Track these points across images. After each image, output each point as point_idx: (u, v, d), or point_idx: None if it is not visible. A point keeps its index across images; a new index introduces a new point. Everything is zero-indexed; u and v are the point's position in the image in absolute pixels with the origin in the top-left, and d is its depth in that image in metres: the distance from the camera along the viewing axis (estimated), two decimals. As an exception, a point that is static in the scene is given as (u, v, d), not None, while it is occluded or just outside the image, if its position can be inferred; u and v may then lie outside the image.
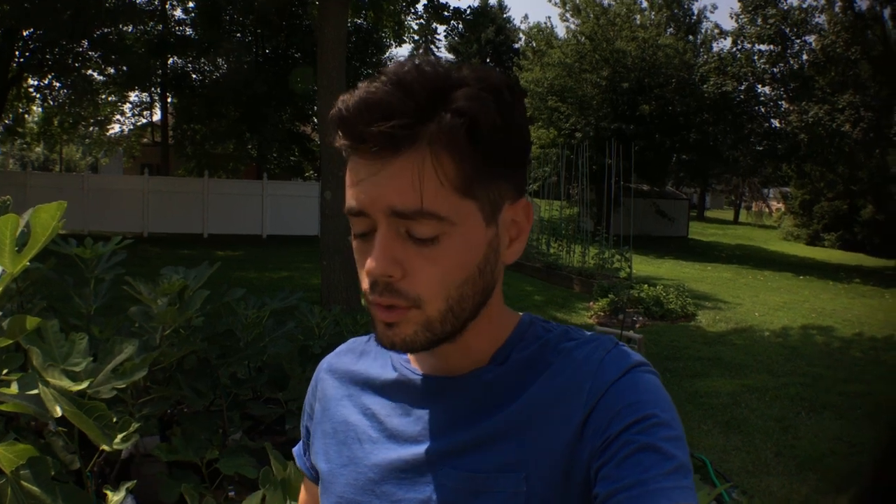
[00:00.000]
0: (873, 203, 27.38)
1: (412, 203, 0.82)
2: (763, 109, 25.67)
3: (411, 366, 1.01)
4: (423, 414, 0.96)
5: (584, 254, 16.75)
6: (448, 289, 0.86)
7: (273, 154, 26.93)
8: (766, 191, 51.91)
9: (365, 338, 1.13)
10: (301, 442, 1.20)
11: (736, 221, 49.63)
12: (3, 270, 1.56)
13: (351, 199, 0.86)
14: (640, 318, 11.65)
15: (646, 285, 13.20)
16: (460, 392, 0.95)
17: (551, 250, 18.59)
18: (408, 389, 0.99)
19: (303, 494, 1.24)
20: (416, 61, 0.84)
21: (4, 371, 1.45)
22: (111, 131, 30.39)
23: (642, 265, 18.73)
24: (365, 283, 0.87)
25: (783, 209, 43.64)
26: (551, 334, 0.96)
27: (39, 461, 1.50)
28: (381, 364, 1.05)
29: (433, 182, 0.82)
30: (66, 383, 1.80)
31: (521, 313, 1.02)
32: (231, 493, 3.20)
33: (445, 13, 14.45)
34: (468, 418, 0.92)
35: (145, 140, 31.55)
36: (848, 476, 5.71)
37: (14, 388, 1.47)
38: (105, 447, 2.19)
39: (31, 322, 1.46)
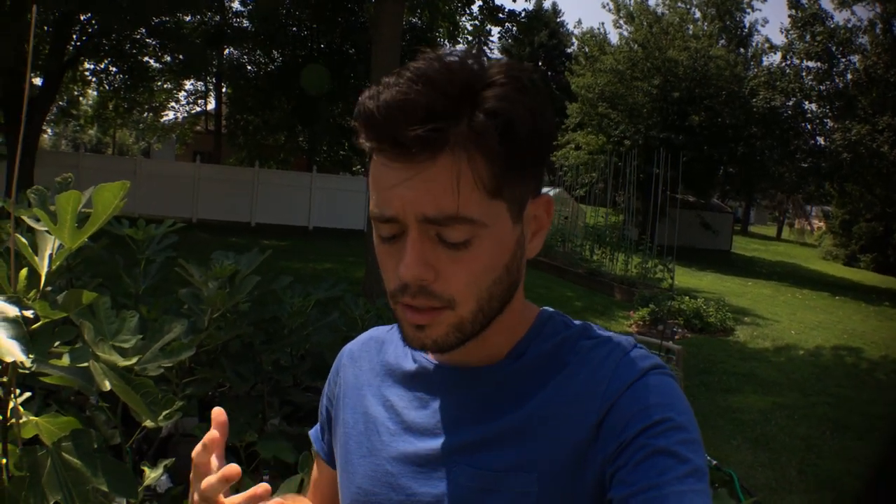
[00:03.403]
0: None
1: (448, 209, 0.81)
2: (809, 126, 25.33)
3: (430, 357, 1.02)
4: (440, 407, 0.97)
5: (626, 262, 16.65)
6: (479, 289, 0.86)
7: (323, 147, 27.11)
8: (809, 208, 51.28)
9: (387, 327, 1.14)
10: (318, 424, 1.21)
11: (778, 238, 49.06)
12: (61, 245, 1.62)
13: (381, 206, 0.85)
14: (680, 330, 11.55)
15: (687, 297, 13.09)
16: (477, 386, 0.95)
17: (594, 257, 18.52)
18: (426, 380, 1.01)
19: (315, 474, 1.26)
20: (443, 56, 0.83)
21: (56, 343, 1.50)
22: (165, 118, 30.86)
23: (684, 277, 18.58)
24: (391, 285, 0.88)
25: (824, 228, 43.13)
26: (570, 331, 0.96)
27: (82, 434, 1.54)
28: (401, 354, 1.06)
29: (468, 187, 0.81)
30: (115, 358, 1.86)
31: (540, 307, 1.02)
32: (266, 478, 3.25)
33: (500, 15, 14.48)
34: (483, 413, 0.93)
35: (198, 128, 31.98)
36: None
37: (66, 360, 1.52)
38: (149, 423, 2.25)
39: (88, 297, 1.51)
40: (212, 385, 3.07)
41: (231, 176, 23.14)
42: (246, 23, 25.92)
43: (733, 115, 25.46)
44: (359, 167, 30.52)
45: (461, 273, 0.85)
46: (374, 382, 1.07)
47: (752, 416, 7.42)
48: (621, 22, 29.06)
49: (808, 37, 23.77)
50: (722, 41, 31.01)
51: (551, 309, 1.02)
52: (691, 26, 29.24)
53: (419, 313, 0.87)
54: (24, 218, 1.64)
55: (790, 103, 24.95)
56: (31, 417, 1.57)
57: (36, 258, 1.61)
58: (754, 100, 24.92)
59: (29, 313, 1.38)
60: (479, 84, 0.81)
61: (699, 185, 27.26)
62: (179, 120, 31.02)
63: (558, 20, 49.41)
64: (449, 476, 0.92)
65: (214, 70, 25.67)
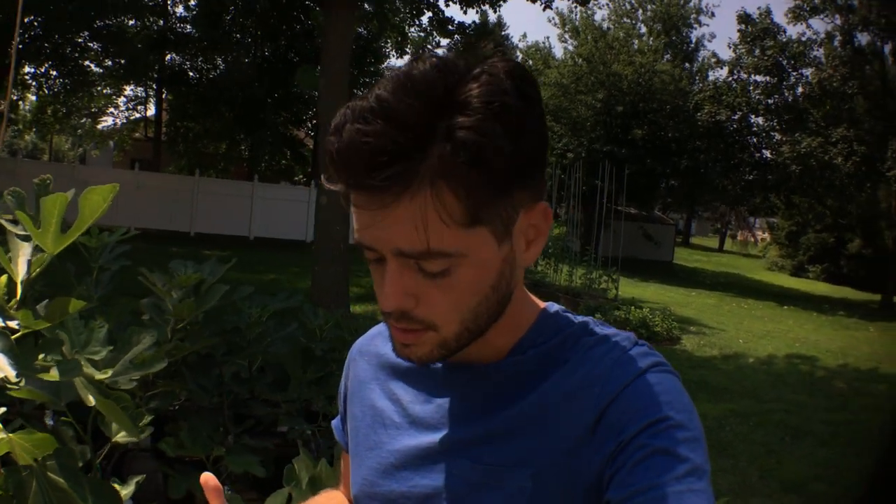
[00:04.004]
0: (861, 237, 27.50)
1: (418, 245, 0.80)
2: (755, 140, 25.81)
3: None
4: (444, 402, 0.98)
5: (571, 273, 16.77)
6: (463, 312, 0.86)
7: (265, 156, 26.87)
8: (752, 220, 52.28)
9: None
10: (339, 417, 1.22)
11: (721, 249, 49.96)
12: (38, 250, 1.54)
13: (358, 233, 0.85)
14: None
15: (632, 307, 13.24)
16: (479, 382, 0.96)
17: (538, 268, 18.61)
18: (430, 376, 1.00)
19: (343, 466, 1.26)
20: (410, 75, 0.78)
21: (41, 356, 1.42)
22: (103, 124, 30.25)
23: (628, 287, 18.79)
24: (379, 305, 0.88)
25: (769, 239, 43.97)
26: (572, 328, 0.95)
27: (66, 452, 1.47)
28: None
29: (437, 225, 0.79)
30: (91, 371, 1.78)
31: (544, 303, 1.01)
32: (228, 493, 3.16)
33: (450, 27, 14.53)
34: (484, 409, 0.93)
35: (137, 135, 31.40)
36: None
37: (55, 374, 1.44)
38: (121, 438, 2.17)
39: (75, 305, 1.43)
40: (175, 398, 2.97)
41: (170, 184, 22.76)
42: (189, 28, 25.59)
43: (677, 129, 25.96)
44: (301, 177, 30.32)
45: (443, 299, 0.85)
46: (381, 377, 1.08)
47: (707, 423, 7.43)
48: (566, 36, 29.55)
49: (757, 51, 24.30)
50: (667, 56, 31.59)
51: (556, 305, 1.01)
52: (637, 41, 29.76)
53: (405, 333, 0.88)
54: (3, 222, 1.56)
55: (736, 117, 25.44)
56: (8, 435, 1.48)
57: (10, 265, 1.52)
58: (699, 114, 25.35)
59: (13, 324, 1.30)
60: (450, 107, 0.78)
61: (642, 198, 27.70)
62: (118, 126, 30.45)
63: (503, 33, 49.68)
64: (449, 469, 0.92)
65: (155, 75, 25.24)
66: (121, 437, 2.13)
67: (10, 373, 1.21)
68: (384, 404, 1.05)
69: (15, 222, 1.54)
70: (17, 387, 1.30)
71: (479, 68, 0.81)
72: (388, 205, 0.79)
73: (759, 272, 34.23)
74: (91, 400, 1.47)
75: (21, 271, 1.51)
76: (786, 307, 19.78)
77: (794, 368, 11.11)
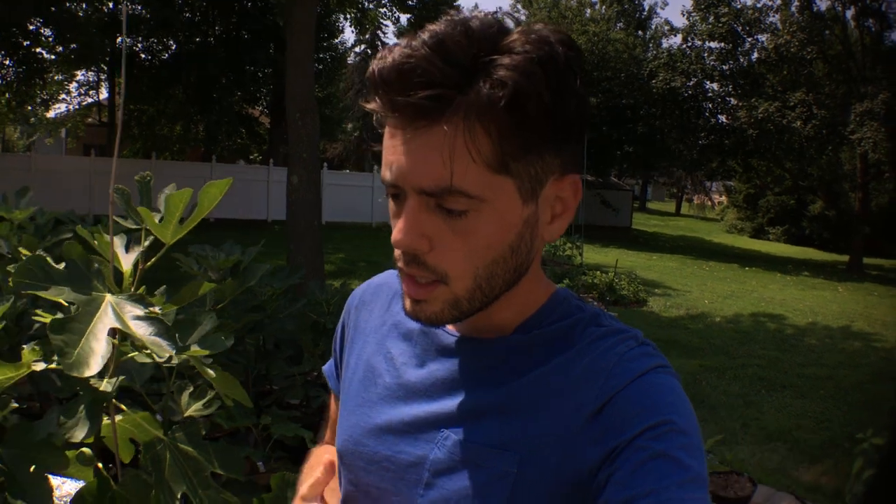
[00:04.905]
0: (824, 199, 27.93)
1: (442, 180, 0.79)
2: (710, 105, 26.07)
3: None
4: (438, 369, 0.96)
5: (534, 241, 16.98)
6: (476, 267, 0.84)
7: (221, 136, 26.61)
8: (708, 184, 52.74)
9: None
10: (332, 361, 1.22)
11: (678, 213, 50.43)
12: (146, 239, 1.68)
13: (385, 169, 0.84)
14: (597, 304, 11.91)
15: (598, 272, 13.49)
16: (478, 355, 0.94)
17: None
18: (429, 340, 0.99)
19: (333, 413, 1.28)
20: (466, 20, 0.80)
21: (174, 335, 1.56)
22: (54, 111, 29.62)
23: (589, 253, 19.05)
24: (396, 250, 0.87)
25: (726, 202, 44.43)
26: (581, 314, 0.94)
27: (192, 423, 1.61)
28: None
29: (464, 159, 0.78)
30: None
31: (557, 286, 1.00)
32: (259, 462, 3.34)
33: (409, 2, 14.50)
34: (478, 384, 0.92)
35: (90, 120, 30.86)
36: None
37: (200, 350, 1.58)
38: (204, 412, 2.32)
39: (206, 287, 1.58)
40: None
41: (128, 169, 22.41)
42: (140, 9, 25.12)
43: (632, 96, 26.16)
44: (256, 155, 30.07)
45: (457, 247, 0.83)
46: (381, 331, 1.07)
47: (682, 377, 7.70)
48: (518, 6, 29.51)
49: (711, 18, 24.50)
50: (620, 24, 31.79)
51: (567, 290, 1.00)
52: (589, 10, 29.89)
53: (417, 287, 0.87)
54: (116, 219, 1.69)
55: (691, 84, 25.60)
56: (130, 413, 1.63)
57: (119, 258, 1.66)
58: (654, 81, 25.53)
59: (156, 310, 1.44)
60: (494, 52, 0.78)
61: (599, 165, 27.97)
62: (71, 112, 29.84)
63: (455, 4, 49.45)
64: (434, 441, 0.91)
65: (107, 59, 24.77)
66: (193, 410, 2.28)
67: (171, 353, 1.35)
68: (378, 361, 1.04)
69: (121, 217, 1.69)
70: (171, 366, 1.43)
71: (527, 27, 0.83)
72: (420, 128, 0.79)
73: (718, 235, 34.66)
74: (210, 373, 1.62)
75: (125, 262, 1.65)
76: (748, 268, 20.21)
77: (761, 327, 11.37)
